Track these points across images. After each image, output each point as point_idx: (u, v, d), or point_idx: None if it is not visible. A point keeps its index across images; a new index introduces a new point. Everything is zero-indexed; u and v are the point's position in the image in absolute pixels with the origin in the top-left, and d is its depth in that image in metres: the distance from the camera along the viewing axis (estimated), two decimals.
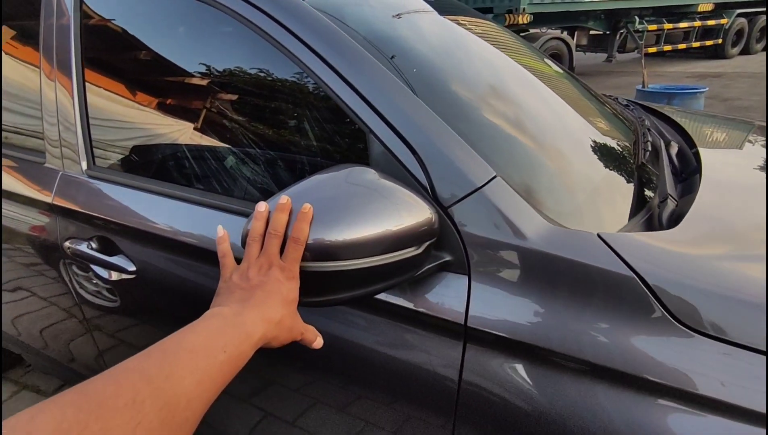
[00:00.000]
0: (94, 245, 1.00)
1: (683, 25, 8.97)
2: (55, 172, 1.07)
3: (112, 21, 1.03)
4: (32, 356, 1.49)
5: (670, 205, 0.75)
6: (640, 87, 4.07)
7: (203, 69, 0.91)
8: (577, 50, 8.56)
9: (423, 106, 0.72)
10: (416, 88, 0.77)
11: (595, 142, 0.94)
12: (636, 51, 8.80)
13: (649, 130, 1.12)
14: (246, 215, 0.80)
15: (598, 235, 0.62)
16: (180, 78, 0.95)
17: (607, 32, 8.71)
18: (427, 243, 0.62)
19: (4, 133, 1.23)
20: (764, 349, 0.51)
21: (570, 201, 0.76)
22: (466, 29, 1.15)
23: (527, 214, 0.65)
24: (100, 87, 1.04)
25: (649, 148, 0.97)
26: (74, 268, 1.07)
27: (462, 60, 0.98)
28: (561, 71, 1.34)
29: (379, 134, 0.71)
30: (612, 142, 0.98)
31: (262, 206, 0.59)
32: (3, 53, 1.22)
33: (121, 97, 1.04)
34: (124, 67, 1.06)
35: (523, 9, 6.79)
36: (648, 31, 8.41)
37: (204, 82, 0.91)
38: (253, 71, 0.86)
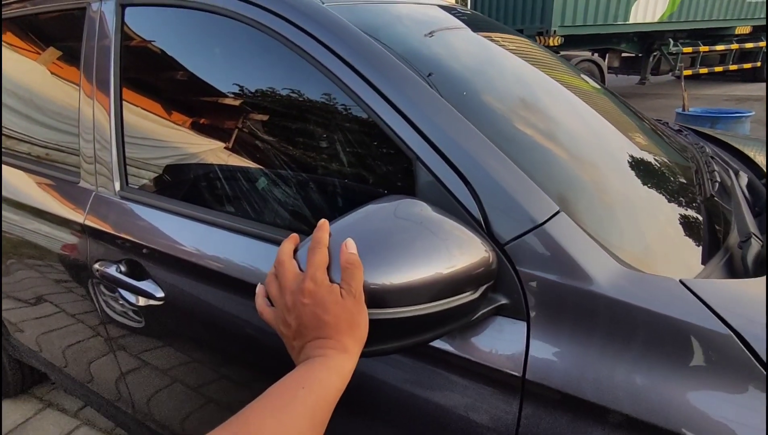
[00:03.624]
0: (123, 268, 0.97)
1: (720, 47, 8.72)
2: (89, 192, 1.06)
3: (152, 42, 1.02)
4: (56, 374, 1.47)
5: (755, 245, 0.67)
6: (680, 110, 3.93)
7: (241, 91, 0.89)
8: (609, 72, 8.39)
9: (476, 131, 0.66)
10: (465, 112, 0.71)
11: (657, 173, 0.86)
12: (670, 73, 8.57)
13: (712, 158, 1.03)
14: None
15: (681, 282, 0.55)
16: (218, 100, 0.92)
17: (640, 54, 8.53)
18: (485, 286, 0.55)
19: (41, 151, 1.23)
20: None
21: (639, 241, 0.68)
22: (520, 54, 1.09)
23: (597, 255, 0.58)
24: (137, 107, 1.03)
25: (717, 179, 0.89)
26: (103, 289, 1.04)
27: (517, 85, 0.92)
28: (611, 94, 1.26)
29: (427, 162, 0.65)
30: (675, 174, 0.90)
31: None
32: (45, 73, 1.23)
33: (158, 117, 1.02)
34: (162, 88, 1.05)
35: (554, 31, 6.73)
36: (683, 53, 8.20)
37: (242, 105, 0.88)
38: (292, 94, 0.83)
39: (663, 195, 0.80)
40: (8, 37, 1.35)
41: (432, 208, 0.57)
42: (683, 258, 0.69)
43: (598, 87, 1.23)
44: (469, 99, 0.76)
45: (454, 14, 1.13)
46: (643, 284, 0.55)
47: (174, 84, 1.01)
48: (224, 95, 0.91)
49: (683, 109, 3.94)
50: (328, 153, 0.79)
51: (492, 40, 1.06)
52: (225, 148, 0.90)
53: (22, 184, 1.24)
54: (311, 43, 0.75)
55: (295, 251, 0.51)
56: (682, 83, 4.30)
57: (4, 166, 1.29)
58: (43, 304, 1.28)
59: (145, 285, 0.94)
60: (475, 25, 1.12)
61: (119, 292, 0.98)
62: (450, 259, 0.52)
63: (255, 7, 0.80)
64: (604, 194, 0.73)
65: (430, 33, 0.95)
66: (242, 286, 0.79)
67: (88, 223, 1.03)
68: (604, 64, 8.08)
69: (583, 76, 1.24)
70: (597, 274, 0.56)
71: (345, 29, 0.76)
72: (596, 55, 8.19)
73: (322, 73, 0.74)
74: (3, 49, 1.34)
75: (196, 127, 0.97)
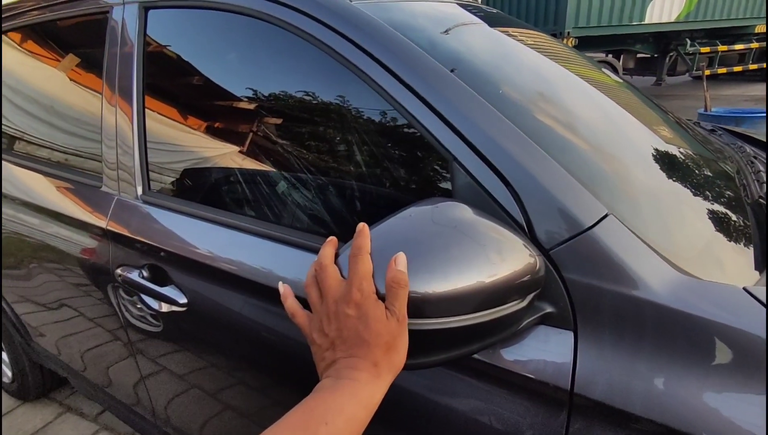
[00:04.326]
0: (145, 274, 0.95)
1: (739, 46, 8.53)
2: (111, 197, 1.05)
3: (176, 46, 1.01)
4: (76, 379, 1.46)
5: None
6: (702, 110, 3.83)
7: (270, 94, 0.87)
8: (624, 74, 8.26)
9: (515, 130, 0.63)
10: (501, 111, 0.68)
11: (701, 174, 0.82)
12: (687, 74, 8.41)
13: (755, 158, 0.98)
14: (311, 249, 0.73)
15: (746, 290, 0.51)
16: (246, 104, 0.90)
17: (656, 55, 8.38)
18: (533, 294, 0.52)
19: (64, 156, 1.23)
20: None
21: (691, 245, 0.64)
22: (552, 53, 1.06)
23: (650, 261, 0.54)
24: (160, 113, 1.02)
25: (765, 180, 0.84)
26: (124, 294, 1.03)
27: (557, 83, 0.89)
28: (637, 91, 1.22)
29: (465, 162, 0.62)
30: (719, 175, 0.85)
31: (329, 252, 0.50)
32: (67, 79, 1.23)
33: (183, 122, 1.01)
34: (186, 94, 1.03)
35: (568, 33, 6.64)
36: (700, 53, 8.04)
37: (271, 108, 0.86)
38: (318, 95, 0.81)
39: (709, 197, 0.76)
40: (29, 44, 1.35)
41: (474, 211, 0.54)
42: (737, 264, 0.65)
43: (629, 85, 1.19)
44: (504, 97, 0.73)
45: (479, 13, 1.10)
46: (703, 292, 0.52)
47: (199, 88, 1.00)
48: (252, 99, 0.89)
49: (705, 110, 3.84)
50: (358, 155, 0.76)
51: (525, 40, 1.03)
52: (253, 152, 0.88)
53: (43, 189, 1.23)
54: (341, 42, 0.72)
55: (336, 256, 0.49)
56: (704, 83, 4.20)
57: (26, 172, 1.29)
58: (63, 308, 1.27)
59: (168, 291, 0.92)
60: (503, 23, 1.09)
61: (141, 298, 0.97)
62: (492, 266, 0.49)
63: (284, 8, 0.78)
64: (653, 196, 0.70)
65: (447, 30, 0.92)
66: (268, 292, 0.77)
67: (110, 227, 1.02)
68: (619, 66, 7.96)
69: (612, 75, 1.20)
70: (651, 281, 0.53)
71: (375, 27, 0.74)
72: (611, 56, 8.06)
73: (352, 71, 0.72)
74: (24, 56, 1.35)
75: (223, 132, 0.95)
